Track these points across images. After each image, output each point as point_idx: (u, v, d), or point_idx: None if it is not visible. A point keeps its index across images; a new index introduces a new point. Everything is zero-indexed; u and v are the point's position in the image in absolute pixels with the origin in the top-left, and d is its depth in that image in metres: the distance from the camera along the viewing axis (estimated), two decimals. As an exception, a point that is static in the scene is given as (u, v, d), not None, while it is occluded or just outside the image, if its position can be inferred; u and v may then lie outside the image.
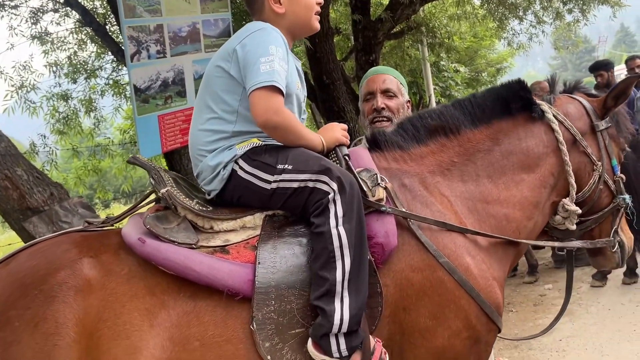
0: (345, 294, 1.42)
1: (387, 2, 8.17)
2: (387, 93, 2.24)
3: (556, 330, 4.28)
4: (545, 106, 1.85)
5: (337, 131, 1.69)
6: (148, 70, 3.65)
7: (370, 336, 1.48)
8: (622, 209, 1.95)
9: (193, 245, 1.48)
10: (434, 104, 10.57)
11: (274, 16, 1.67)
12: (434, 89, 11.39)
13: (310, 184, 1.50)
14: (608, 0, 7.94)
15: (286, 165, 1.52)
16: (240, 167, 1.57)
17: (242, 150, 1.58)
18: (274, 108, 1.50)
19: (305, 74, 7.15)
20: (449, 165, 1.76)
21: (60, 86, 7.05)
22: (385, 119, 2.20)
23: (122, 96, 7.29)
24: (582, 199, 1.88)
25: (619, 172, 1.95)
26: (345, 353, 1.43)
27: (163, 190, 1.54)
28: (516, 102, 1.84)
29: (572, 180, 1.84)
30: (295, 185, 1.51)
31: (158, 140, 3.76)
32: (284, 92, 1.53)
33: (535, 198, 1.81)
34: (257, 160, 1.56)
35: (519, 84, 1.86)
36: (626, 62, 6.17)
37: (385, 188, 1.59)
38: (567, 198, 1.86)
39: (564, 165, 1.83)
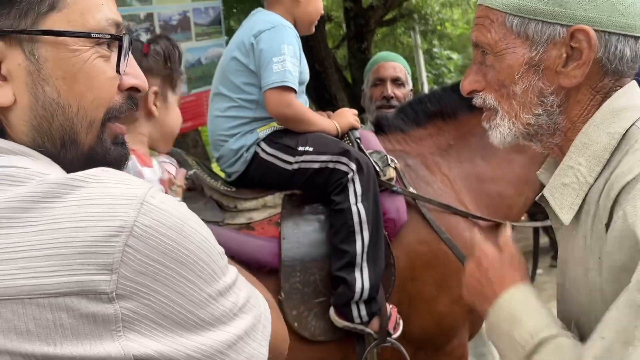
0: (365, 265, 1.55)
1: (379, -11, 8.15)
2: (396, 82, 2.33)
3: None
4: None
5: (349, 116, 1.81)
6: (139, 59, 3.65)
7: (386, 303, 1.63)
8: None
9: (220, 223, 1.59)
10: (426, 91, 10.59)
11: (291, 3, 1.73)
12: (427, 76, 11.40)
13: (331, 165, 1.61)
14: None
15: (307, 147, 1.64)
16: (262, 150, 1.67)
17: (264, 134, 1.68)
18: (285, 102, 1.62)
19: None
20: (446, 147, 1.90)
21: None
22: (392, 108, 2.27)
23: (114, 86, 7.26)
24: None
25: None
26: (365, 318, 1.58)
27: (190, 172, 1.63)
28: None
29: None
30: (316, 165, 1.62)
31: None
32: (296, 88, 1.64)
33: (526, 174, 1.92)
34: (279, 142, 1.67)
35: None
36: None
37: (395, 168, 1.72)
38: None
39: None
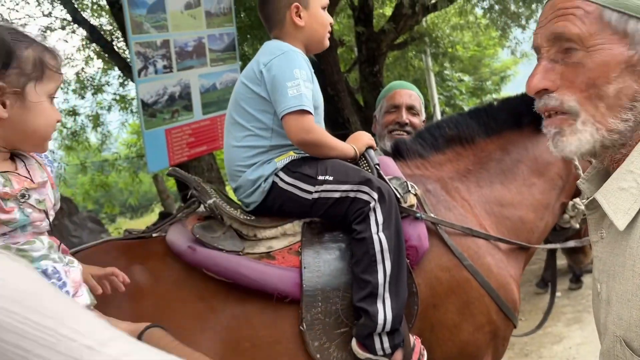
0: (387, 295, 1.52)
1: (390, 14, 8.24)
2: (411, 110, 2.32)
3: (566, 338, 4.24)
4: None
5: (365, 137, 1.81)
6: (155, 85, 3.69)
7: (409, 334, 1.59)
8: None
9: (240, 253, 1.56)
10: (438, 114, 10.60)
11: (294, 29, 1.73)
12: (439, 98, 11.42)
13: (352, 194, 1.59)
14: (610, 7, 7.97)
15: (327, 177, 1.62)
16: (281, 179, 1.65)
17: (282, 163, 1.66)
18: (306, 128, 1.60)
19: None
20: (465, 172, 1.88)
21: (68, 102, 7.13)
22: (405, 133, 2.27)
23: (129, 111, 7.36)
24: None
25: None
26: (388, 351, 1.53)
27: (210, 202, 1.61)
28: (525, 115, 1.93)
29: None
30: (337, 195, 1.60)
31: (165, 154, 3.80)
32: (312, 112, 1.62)
33: (546, 200, 1.91)
34: (297, 172, 1.65)
35: (530, 99, 1.92)
36: None
37: (416, 195, 1.70)
38: (578, 198, 1.96)
39: (574, 169, 1.92)
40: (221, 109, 4.17)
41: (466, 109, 13.69)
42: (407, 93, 2.34)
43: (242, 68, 4.78)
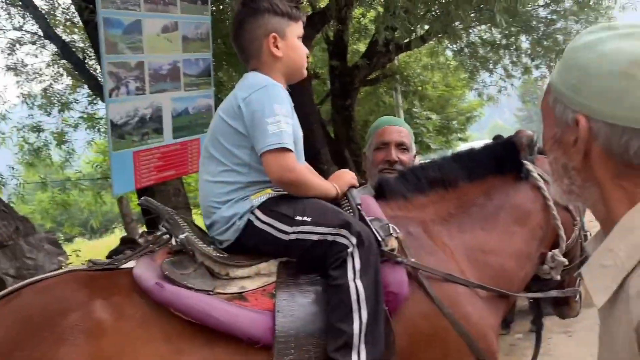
0: (362, 346, 1.44)
1: (364, 50, 8.41)
2: (401, 146, 2.27)
3: (527, 380, 4.25)
4: (530, 166, 1.94)
5: (347, 176, 1.76)
6: (126, 106, 3.62)
7: None
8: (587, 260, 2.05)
9: (210, 292, 1.48)
10: (406, 150, 10.73)
11: (271, 60, 1.69)
12: (407, 135, 11.59)
13: (330, 237, 1.53)
14: (573, 58, 8.34)
15: (305, 217, 1.55)
16: (257, 218, 1.59)
17: (259, 201, 1.60)
18: (287, 167, 1.55)
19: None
20: (447, 216, 1.83)
21: (32, 117, 6.94)
22: (395, 171, 2.19)
23: (96, 130, 7.21)
24: (566, 251, 1.96)
25: (586, 227, 2.08)
26: None
27: (182, 236, 1.54)
28: (507, 162, 1.93)
29: (562, 233, 1.91)
30: (314, 237, 1.54)
31: (132, 176, 3.70)
32: (293, 149, 1.57)
33: (527, 249, 1.87)
34: (274, 210, 1.58)
35: (511, 146, 1.96)
36: None
37: (397, 238, 1.63)
38: (557, 250, 1.93)
39: (552, 219, 1.90)
40: (192, 133, 4.12)
41: (433, 147, 13.98)
42: (397, 130, 2.29)
43: (216, 94, 4.76)
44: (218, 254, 1.57)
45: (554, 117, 0.85)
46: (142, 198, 1.69)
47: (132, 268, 1.53)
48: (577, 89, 0.80)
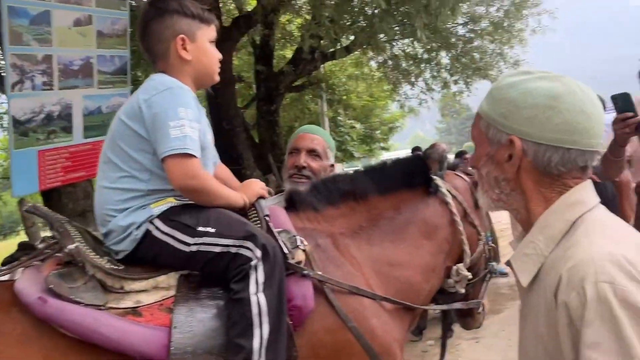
0: None
1: (290, 57, 8.42)
2: (312, 153, 2.25)
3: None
4: (439, 181, 1.99)
5: (256, 186, 1.71)
6: (31, 102, 3.37)
7: None
8: (491, 274, 2.17)
9: (101, 307, 1.37)
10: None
11: (179, 62, 1.62)
12: (331, 142, 11.72)
13: (233, 250, 1.47)
14: (488, 75, 8.82)
15: (208, 228, 1.48)
16: (156, 227, 1.50)
17: (159, 210, 1.51)
18: (190, 173, 1.47)
19: (204, 118, 7.05)
20: (357, 229, 1.83)
21: None
22: (304, 177, 2.19)
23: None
24: (470, 266, 2.02)
25: (490, 242, 2.17)
26: None
27: (71, 247, 1.42)
28: (417, 176, 1.97)
29: (467, 248, 1.98)
30: (217, 249, 1.47)
31: (36, 177, 3.45)
32: (198, 155, 1.50)
33: (433, 263, 1.90)
34: (176, 220, 1.50)
35: (421, 161, 2.01)
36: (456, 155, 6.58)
37: (304, 250, 1.60)
38: (462, 264, 1.98)
39: (458, 234, 1.96)
40: (105, 133, 3.89)
41: (356, 155, 14.25)
42: (310, 137, 2.28)
43: (132, 93, 4.56)
44: (112, 266, 1.47)
45: (487, 139, 1.07)
46: (29, 205, 1.54)
47: (14, 280, 1.40)
48: (507, 117, 1.02)
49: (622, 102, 1.88)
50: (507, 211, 1.13)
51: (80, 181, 4.20)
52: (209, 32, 1.67)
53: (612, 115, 3.24)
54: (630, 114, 1.82)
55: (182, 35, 1.60)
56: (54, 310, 1.32)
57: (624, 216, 2.68)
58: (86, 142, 3.79)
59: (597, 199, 1.04)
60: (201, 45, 1.64)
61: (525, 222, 1.07)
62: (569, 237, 0.98)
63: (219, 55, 1.71)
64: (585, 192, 1.02)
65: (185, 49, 1.61)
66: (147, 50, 1.66)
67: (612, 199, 2.83)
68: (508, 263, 1.09)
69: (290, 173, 2.22)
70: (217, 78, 1.72)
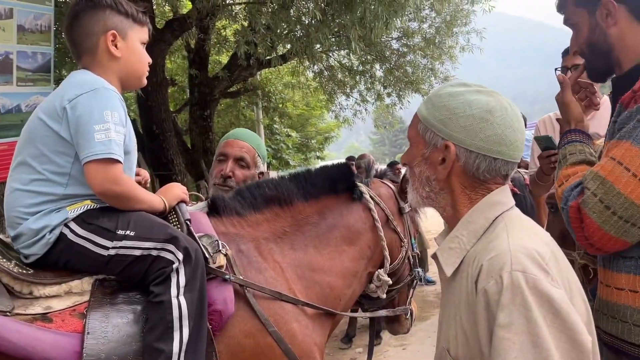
0: None
1: (226, 62, 8.32)
2: (240, 161, 2.20)
3: (364, 392, 4.44)
4: (363, 188, 2.03)
5: (177, 189, 1.68)
6: (-60, 97, 3.14)
7: None
8: (416, 280, 2.23)
9: (7, 313, 1.29)
10: (265, 165, 10.79)
11: (107, 59, 1.56)
12: (267, 150, 11.68)
13: (154, 252, 1.44)
14: (420, 89, 9.11)
15: (127, 232, 1.44)
16: (72, 231, 1.43)
17: (75, 213, 1.44)
18: (113, 178, 1.43)
19: (134, 121, 6.83)
20: (281, 234, 1.83)
21: None
22: (228, 188, 2.14)
23: None
24: (392, 271, 2.07)
25: (415, 249, 2.22)
26: None
27: None
28: (342, 183, 2.00)
29: (387, 254, 2.02)
30: (137, 252, 1.43)
31: (-58, 177, 3.21)
32: (122, 160, 1.45)
33: (355, 268, 1.93)
34: (93, 224, 1.44)
35: (346, 168, 2.05)
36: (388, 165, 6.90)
37: (226, 255, 1.59)
38: (382, 269, 2.02)
39: (379, 240, 2.00)
40: (24, 134, 3.70)
41: (292, 163, 14.27)
42: (239, 144, 2.23)
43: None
44: (20, 270, 1.39)
45: (423, 141, 1.16)
46: None
47: None
48: (445, 123, 1.12)
49: (545, 142, 2.08)
50: (434, 208, 1.22)
51: (-5, 184, 3.94)
52: (141, 34, 1.63)
53: (531, 132, 3.43)
54: (554, 151, 2.00)
55: (113, 31, 1.55)
56: None
57: (540, 224, 2.85)
58: (2, 142, 3.56)
59: (513, 201, 1.15)
60: (132, 44, 1.60)
61: (450, 219, 1.18)
62: (490, 232, 1.09)
63: (149, 59, 1.67)
64: (504, 194, 1.14)
65: (115, 45, 1.56)
66: (73, 43, 1.59)
67: (530, 209, 3.00)
68: (434, 256, 1.18)
69: (215, 182, 2.18)
70: (145, 82, 1.68)
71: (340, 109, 10.57)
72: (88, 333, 1.34)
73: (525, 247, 1.00)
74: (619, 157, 1.23)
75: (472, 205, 1.13)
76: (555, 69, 2.13)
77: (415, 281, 2.22)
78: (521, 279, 0.96)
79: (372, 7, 5.18)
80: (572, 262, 1.78)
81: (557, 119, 1.59)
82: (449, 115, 1.11)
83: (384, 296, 2.04)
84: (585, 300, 1.06)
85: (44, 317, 1.34)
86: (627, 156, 1.22)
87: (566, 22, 1.51)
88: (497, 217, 1.10)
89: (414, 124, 1.19)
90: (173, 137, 6.96)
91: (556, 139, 1.78)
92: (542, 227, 2.71)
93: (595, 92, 1.69)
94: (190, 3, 6.48)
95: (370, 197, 2.02)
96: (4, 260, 1.38)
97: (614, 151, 1.25)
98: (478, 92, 1.12)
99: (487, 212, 1.11)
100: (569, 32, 1.54)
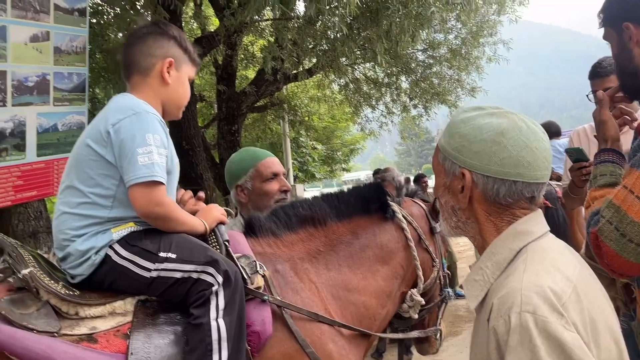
0: None
1: (253, 77, 8.43)
2: (284, 176, 2.29)
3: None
4: (396, 207, 2.04)
5: (216, 211, 1.71)
6: (-18, 118, 3.26)
7: None
8: (446, 301, 2.22)
9: (55, 333, 1.34)
10: (292, 178, 10.87)
11: (158, 83, 1.64)
12: (293, 163, 11.77)
13: (195, 275, 1.47)
14: (446, 100, 9.06)
15: (169, 254, 1.48)
16: (116, 252, 1.48)
17: (119, 235, 1.50)
18: (156, 201, 1.48)
19: (164, 137, 6.94)
20: (315, 254, 1.85)
21: None
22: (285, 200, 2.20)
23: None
24: (424, 291, 2.06)
25: (445, 269, 2.20)
26: None
27: (25, 272, 1.38)
28: (374, 202, 2.01)
29: (421, 273, 2.02)
30: (178, 275, 1.47)
31: (-16, 196, 3.32)
32: (165, 182, 1.50)
33: (388, 288, 1.93)
34: (137, 246, 1.49)
35: (378, 187, 2.06)
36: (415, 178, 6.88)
37: (264, 276, 1.62)
38: (415, 289, 2.02)
39: (412, 260, 2.00)
40: (60, 152, 3.80)
41: (318, 175, 14.30)
42: (275, 161, 2.29)
43: (91, 111, 4.46)
44: (67, 292, 1.44)
45: (444, 170, 1.14)
46: None
47: None
48: (460, 151, 1.10)
49: (576, 154, 2.06)
50: (466, 237, 1.18)
51: (32, 201, 4.06)
52: (191, 70, 1.73)
53: (566, 140, 3.36)
54: (585, 163, 2.00)
55: (171, 59, 1.64)
56: (6, 337, 1.29)
57: (574, 240, 2.79)
58: (39, 160, 3.67)
59: (546, 229, 1.10)
60: (182, 77, 1.68)
61: (481, 249, 1.14)
62: (512, 265, 1.05)
63: (189, 95, 1.74)
64: (532, 223, 1.09)
65: (169, 72, 1.64)
66: (129, 61, 1.66)
67: (562, 223, 2.95)
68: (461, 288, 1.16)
69: (277, 198, 2.20)
70: (180, 115, 1.75)
71: (366, 121, 10.58)
72: (132, 354, 1.37)
73: (539, 285, 0.96)
74: (630, 186, 1.22)
75: (498, 233, 1.10)
76: (587, 95, 2.14)
77: (445, 302, 2.22)
78: (530, 321, 0.92)
79: (398, 20, 5.19)
80: (613, 280, 1.74)
81: (595, 136, 1.58)
82: (462, 142, 1.10)
83: (416, 316, 2.04)
84: (617, 339, 1.01)
85: (90, 338, 1.38)
86: (637, 185, 1.21)
87: (604, 38, 1.51)
88: (521, 249, 1.06)
89: (436, 154, 1.19)
90: (202, 152, 7.05)
91: (592, 150, 1.76)
92: (576, 240, 2.65)
93: (630, 112, 1.68)
94: (217, 20, 6.60)
95: (403, 216, 2.03)
96: (52, 282, 1.42)
97: (627, 179, 1.25)
98: (490, 115, 1.10)
99: (512, 242, 1.07)
100: (595, 38, 1.54)
